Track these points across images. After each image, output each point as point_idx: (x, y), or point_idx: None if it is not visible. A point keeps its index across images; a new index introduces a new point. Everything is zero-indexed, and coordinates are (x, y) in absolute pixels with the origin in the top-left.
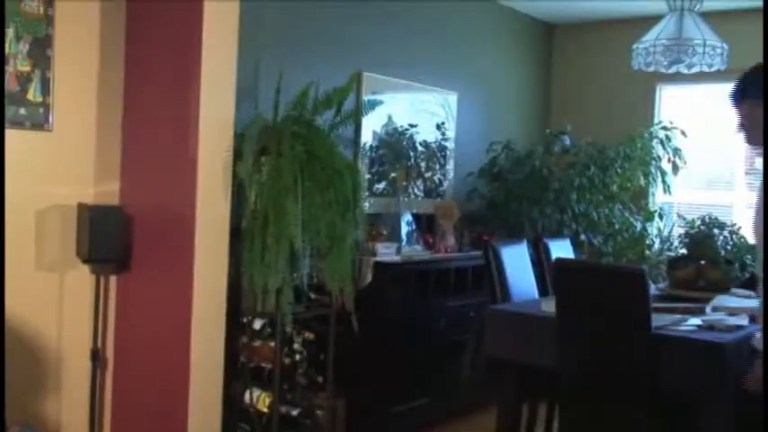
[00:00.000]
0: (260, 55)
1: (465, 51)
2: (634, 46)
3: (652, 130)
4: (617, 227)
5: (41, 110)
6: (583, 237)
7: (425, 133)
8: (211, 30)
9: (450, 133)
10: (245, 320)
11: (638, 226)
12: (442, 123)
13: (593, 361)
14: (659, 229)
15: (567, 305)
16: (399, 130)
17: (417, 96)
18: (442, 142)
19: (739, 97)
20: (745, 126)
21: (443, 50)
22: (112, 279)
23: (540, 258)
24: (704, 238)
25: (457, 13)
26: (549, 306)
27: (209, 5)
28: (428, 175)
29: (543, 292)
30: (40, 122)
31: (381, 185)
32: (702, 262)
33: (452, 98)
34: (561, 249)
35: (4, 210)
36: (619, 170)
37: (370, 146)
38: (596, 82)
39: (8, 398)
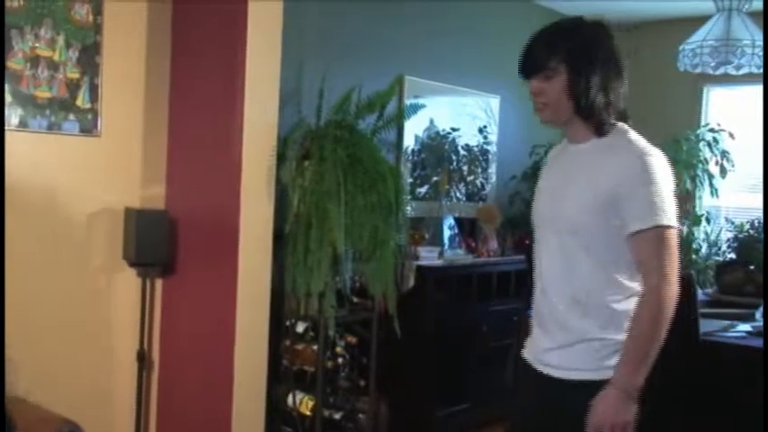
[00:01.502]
0: (303, 60)
1: (507, 54)
2: (681, 47)
3: (699, 132)
4: None
5: (90, 116)
6: None
7: (467, 137)
8: (255, 35)
9: (493, 137)
10: (288, 324)
11: (685, 230)
12: (484, 127)
13: None
14: (706, 234)
15: None
16: (441, 133)
17: (459, 100)
18: (485, 146)
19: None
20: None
21: (485, 54)
22: (158, 282)
23: None
24: (753, 242)
25: (499, 16)
26: None
27: (253, 12)
28: (470, 178)
29: None
30: (88, 128)
31: (423, 189)
32: (751, 267)
33: (494, 101)
34: None
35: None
36: None
37: (413, 150)
38: (641, 84)
39: (55, 396)
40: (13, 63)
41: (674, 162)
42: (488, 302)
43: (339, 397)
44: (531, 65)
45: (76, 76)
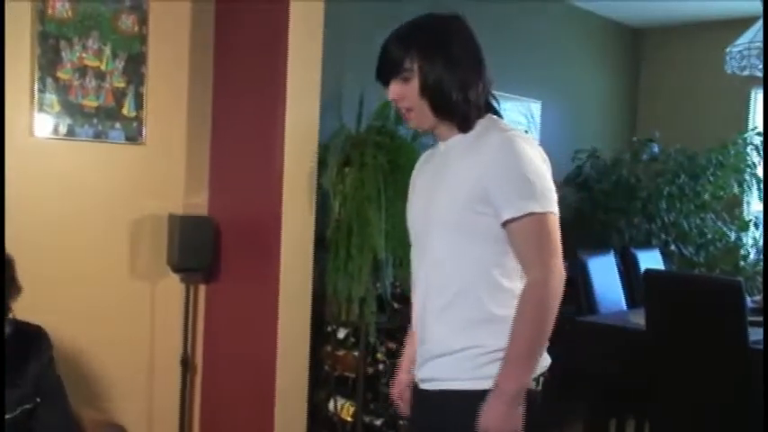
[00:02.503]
0: (343, 66)
1: (548, 59)
2: (727, 49)
3: (746, 136)
4: (709, 237)
5: (135, 124)
6: (673, 247)
7: None
8: (297, 42)
9: (534, 142)
10: (329, 329)
11: (732, 236)
12: (525, 132)
13: (685, 377)
14: (755, 239)
15: (657, 318)
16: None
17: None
18: None
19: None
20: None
21: (526, 59)
22: (201, 287)
23: (627, 269)
24: None
25: (539, 20)
26: (638, 318)
27: (295, 18)
28: None
29: (632, 304)
30: (133, 136)
31: None
32: None
33: (536, 106)
34: (650, 260)
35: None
36: (711, 178)
37: None
38: (686, 87)
39: (100, 401)
40: (62, 74)
41: (722, 166)
42: None
43: (380, 403)
44: (388, 68)
45: (122, 85)
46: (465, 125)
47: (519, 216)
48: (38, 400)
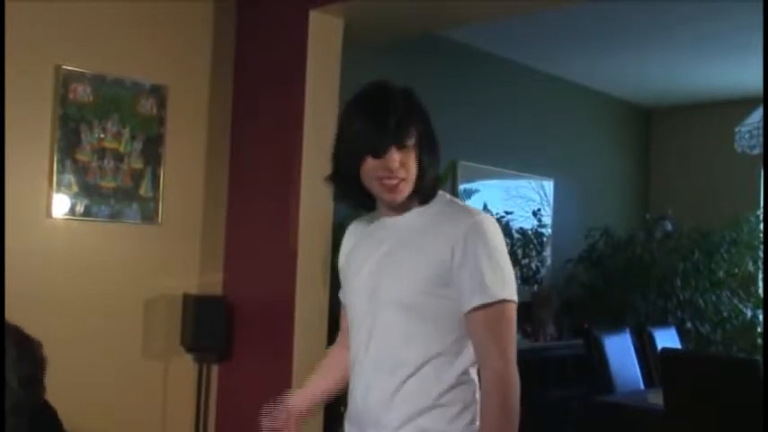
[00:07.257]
0: None
1: (560, 138)
2: (736, 129)
3: (759, 213)
4: (725, 314)
5: (151, 204)
6: (689, 325)
7: (521, 220)
8: (312, 128)
9: (547, 220)
10: (342, 410)
11: (749, 313)
12: (538, 210)
13: None
14: None
15: (675, 398)
16: (495, 217)
17: (513, 183)
18: (539, 229)
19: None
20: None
21: (539, 137)
22: (214, 367)
23: (644, 348)
24: None
25: (551, 101)
26: (656, 398)
27: (309, 108)
28: (525, 262)
29: (649, 383)
30: (149, 216)
31: None
32: None
33: (548, 184)
34: (667, 338)
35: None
36: (725, 255)
37: None
38: (697, 165)
39: None
40: (81, 155)
41: (735, 243)
42: (545, 389)
43: None
44: (396, 133)
45: (140, 166)
46: (427, 199)
47: (489, 303)
48: None
